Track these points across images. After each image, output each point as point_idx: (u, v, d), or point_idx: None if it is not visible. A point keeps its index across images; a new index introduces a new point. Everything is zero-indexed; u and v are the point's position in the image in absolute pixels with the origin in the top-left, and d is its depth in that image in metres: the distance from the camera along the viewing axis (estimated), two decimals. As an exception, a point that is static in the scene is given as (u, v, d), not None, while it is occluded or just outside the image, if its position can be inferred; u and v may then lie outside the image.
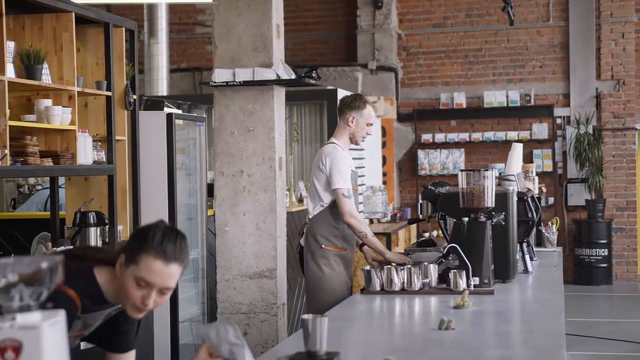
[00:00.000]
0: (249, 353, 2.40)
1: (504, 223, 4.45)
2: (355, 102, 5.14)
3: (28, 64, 4.83)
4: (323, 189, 5.04)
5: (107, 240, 5.56)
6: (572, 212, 12.30)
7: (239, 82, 5.34)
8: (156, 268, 2.50)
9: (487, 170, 4.37)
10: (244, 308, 5.44)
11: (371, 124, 5.17)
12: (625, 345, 8.12)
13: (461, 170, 4.40)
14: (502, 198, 4.46)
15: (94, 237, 5.38)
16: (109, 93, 5.57)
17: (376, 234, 8.99)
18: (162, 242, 2.51)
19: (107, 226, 5.54)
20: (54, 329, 1.79)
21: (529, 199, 4.98)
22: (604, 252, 11.82)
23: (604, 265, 11.85)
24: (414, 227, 10.70)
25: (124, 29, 5.85)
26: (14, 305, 1.76)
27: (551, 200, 12.15)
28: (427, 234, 9.81)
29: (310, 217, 5.13)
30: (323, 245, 5.02)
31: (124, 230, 5.81)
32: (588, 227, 11.88)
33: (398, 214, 10.40)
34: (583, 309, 10.21)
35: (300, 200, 8.61)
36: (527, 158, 11.90)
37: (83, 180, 5.71)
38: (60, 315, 1.82)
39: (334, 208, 5.01)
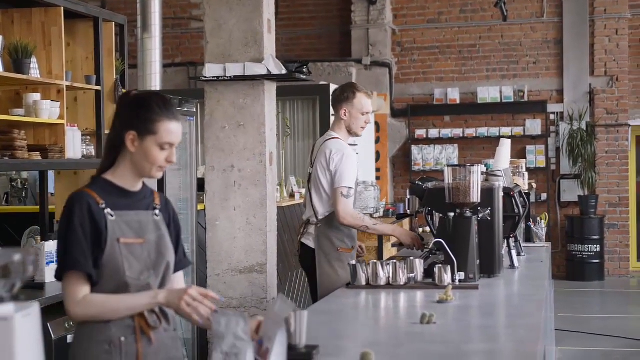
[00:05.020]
0: (251, 351, 2.42)
1: (489, 218, 4.46)
2: (344, 93, 5.03)
3: (16, 58, 4.83)
4: (331, 188, 4.93)
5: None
6: (564, 208, 12.32)
7: (230, 77, 5.33)
8: (173, 129, 2.81)
9: (473, 165, 4.38)
10: (235, 302, 5.45)
11: (366, 112, 5.04)
12: (615, 340, 8.15)
13: (447, 166, 4.40)
14: (488, 193, 4.46)
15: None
16: (99, 87, 5.58)
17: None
18: (166, 106, 2.81)
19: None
20: (27, 320, 1.81)
21: (516, 195, 4.98)
22: (596, 248, 11.85)
23: (596, 261, 11.88)
24: (408, 222, 10.72)
25: (113, 23, 5.87)
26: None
27: (544, 196, 12.17)
28: (421, 230, 9.81)
29: (319, 217, 5.00)
30: (339, 249, 4.96)
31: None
32: (581, 223, 11.91)
33: (391, 209, 10.40)
34: (575, 305, 10.23)
35: (292, 195, 8.62)
36: (521, 154, 11.93)
37: (73, 174, 5.72)
38: (34, 307, 1.84)
39: None
